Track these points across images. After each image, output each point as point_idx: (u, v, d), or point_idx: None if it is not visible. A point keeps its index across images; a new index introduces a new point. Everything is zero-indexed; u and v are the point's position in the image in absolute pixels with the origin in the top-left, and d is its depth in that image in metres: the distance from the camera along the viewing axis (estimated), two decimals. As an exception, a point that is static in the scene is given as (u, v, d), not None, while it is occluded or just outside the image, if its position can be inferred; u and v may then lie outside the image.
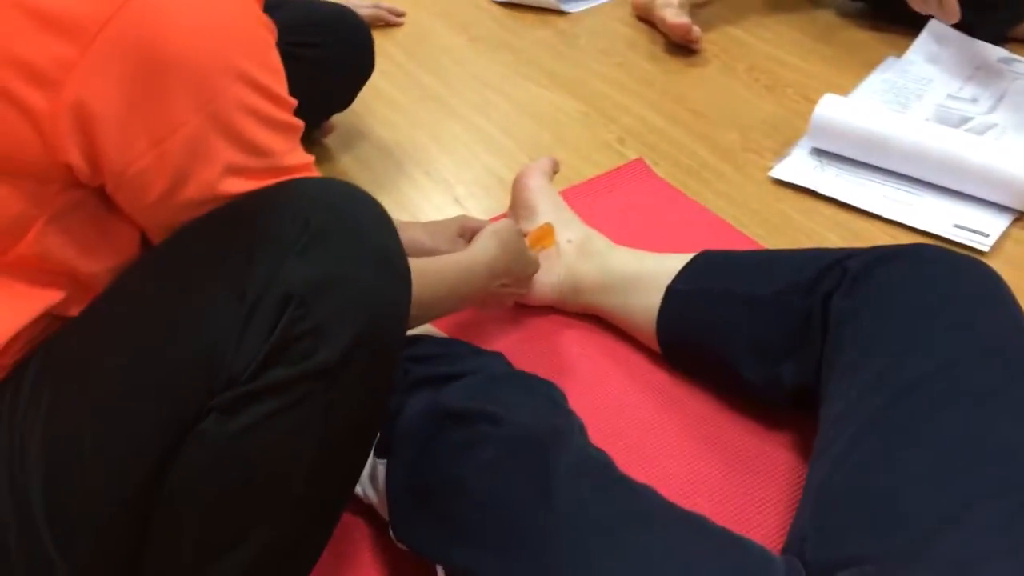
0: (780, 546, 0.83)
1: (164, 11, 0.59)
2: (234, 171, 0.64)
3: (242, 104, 0.63)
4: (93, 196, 0.66)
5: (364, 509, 0.88)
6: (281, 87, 0.67)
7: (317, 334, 0.61)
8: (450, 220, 1.06)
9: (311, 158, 0.71)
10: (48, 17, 0.58)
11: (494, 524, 0.69)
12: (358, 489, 0.87)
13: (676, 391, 1.00)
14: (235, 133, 0.63)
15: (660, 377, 1.02)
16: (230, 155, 0.63)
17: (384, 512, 0.82)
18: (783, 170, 1.31)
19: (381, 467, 0.82)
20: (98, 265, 0.68)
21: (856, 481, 0.70)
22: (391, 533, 0.79)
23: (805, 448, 0.92)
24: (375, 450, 0.84)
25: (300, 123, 0.69)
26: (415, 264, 0.85)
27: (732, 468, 0.92)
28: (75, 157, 0.61)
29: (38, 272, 0.67)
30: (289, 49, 0.75)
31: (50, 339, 0.68)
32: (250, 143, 0.64)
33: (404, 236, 0.99)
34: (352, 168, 1.38)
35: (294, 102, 0.69)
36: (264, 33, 0.67)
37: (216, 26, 0.62)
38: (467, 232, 1.03)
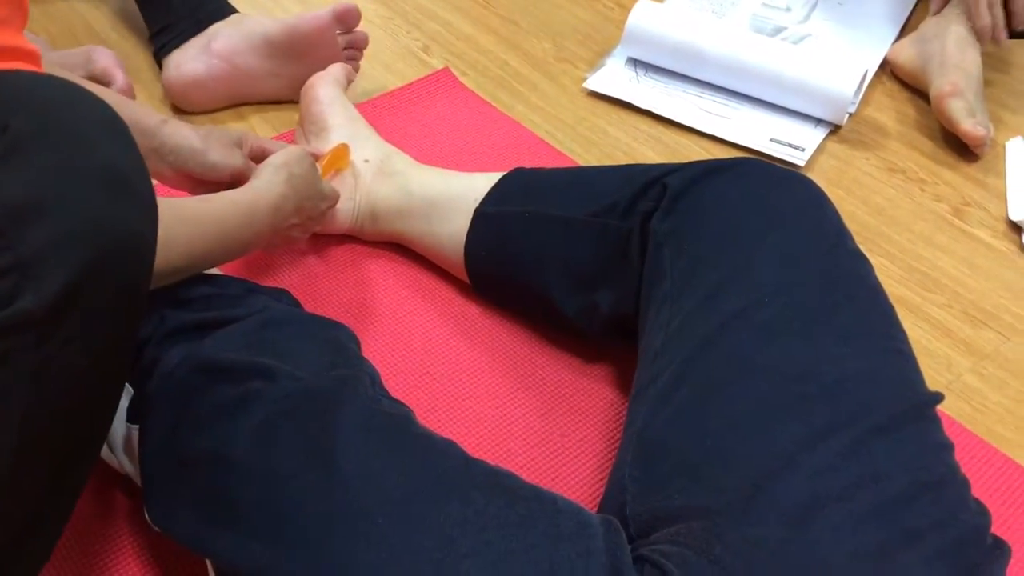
0: (600, 489, 0.77)
1: None
2: None
3: None
4: None
5: (122, 480, 0.75)
6: None
7: (20, 273, 0.47)
8: (227, 128, 0.90)
9: (37, 49, 0.55)
10: None
11: (266, 505, 0.57)
12: (111, 458, 0.73)
13: (487, 325, 0.91)
14: None
15: (470, 310, 0.92)
16: None
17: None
18: (598, 81, 1.22)
19: (135, 434, 0.68)
20: None
21: (679, 423, 0.63)
22: (146, 515, 0.66)
23: (625, 382, 0.86)
24: (127, 414, 0.70)
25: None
26: (186, 207, 0.70)
27: (548, 407, 0.84)
28: None
29: None
30: None
31: None
32: None
33: (171, 131, 0.83)
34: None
35: None
36: None
37: None
38: (246, 147, 0.88)
